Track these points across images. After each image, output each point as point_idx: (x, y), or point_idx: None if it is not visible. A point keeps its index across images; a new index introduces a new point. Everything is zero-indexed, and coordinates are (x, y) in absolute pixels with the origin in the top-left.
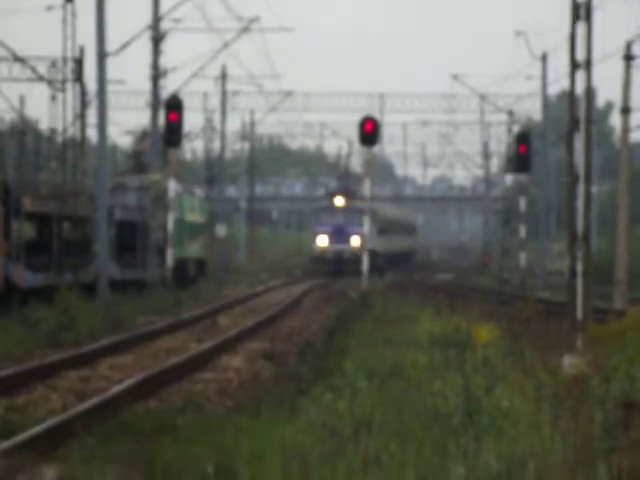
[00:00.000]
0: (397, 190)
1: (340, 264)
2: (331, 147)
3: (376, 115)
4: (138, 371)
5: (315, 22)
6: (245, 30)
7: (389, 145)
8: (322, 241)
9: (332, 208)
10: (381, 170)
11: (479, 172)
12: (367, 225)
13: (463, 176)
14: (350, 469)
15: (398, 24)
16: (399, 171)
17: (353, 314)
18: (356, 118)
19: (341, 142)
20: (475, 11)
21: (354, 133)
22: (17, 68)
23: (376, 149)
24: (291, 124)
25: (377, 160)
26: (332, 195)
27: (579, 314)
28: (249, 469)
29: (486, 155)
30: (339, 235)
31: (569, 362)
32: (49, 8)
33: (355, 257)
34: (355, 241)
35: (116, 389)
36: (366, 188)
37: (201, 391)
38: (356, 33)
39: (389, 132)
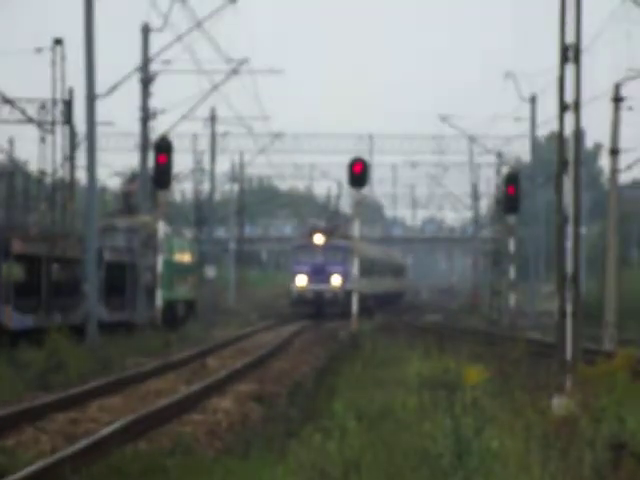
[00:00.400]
0: (386, 231)
1: (320, 305)
2: (321, 188)
3: (365, 156)
4: (127, 413)
5: (305, 64)
6: (234, 72)
7: (378, 186)
8: (301, 281)
9: (311, 246)
10: (371, 211)
11: (468, 213)
12: (354, 265)
13: (452, 217)
14: None
15: (386, 65)
16: (388, 212)
17: (342, 355)
18: (345, 159)
19: (330, 183)
20: (464, 52)
21: (343, 174)
22: (6, 110)
23: (365, 190)
24: (281, 165)
25: (366, 201)
26: (311, 232)
27: (568, 355)
28: None
29: (475, 196)
30: (319, 274)
31: (558, 403)
32: (38, 50)
33: (336, 298)
34: (336, 281)
35: (105, 431)
36: (355, 229)
37: (190, 433)
38: (345, 74)
39: (378, 173)
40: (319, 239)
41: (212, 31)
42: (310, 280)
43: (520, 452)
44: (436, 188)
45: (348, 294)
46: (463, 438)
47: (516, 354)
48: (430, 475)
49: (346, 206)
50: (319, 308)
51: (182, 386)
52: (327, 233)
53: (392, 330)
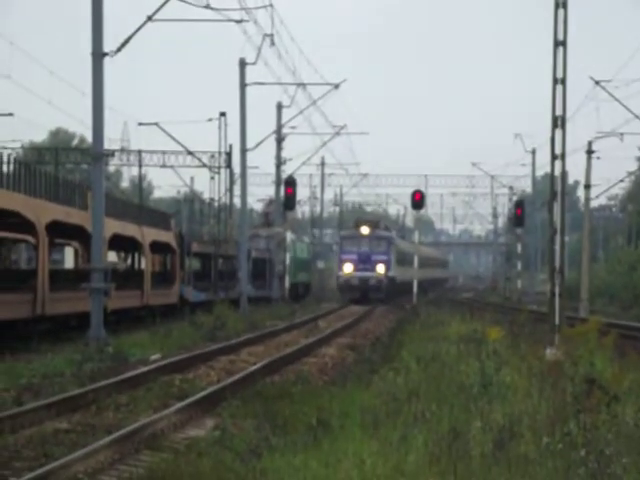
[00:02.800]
0: (436, 238)
1: (365, 291)
2: (393, 210)
3: (422, 189)
4: (267, 356)
5: (384, 125)
6: (337, 134)
7: (431, 208)
8: (348, 268)
9: (357, 236)
10: (425, 225)
11: (490, 226)
12: (415, 261)
13: (479, 229)
14: (405, 422)
15: (434, 122)
16: (437, 225)
17: (407, 320)
18: (409, 191)
19: (399, 207)
20: (484, 115)
21: (408, 201)
22: (189, 159)
23: (422, 211)
24: (366, 195)
25: (423, 218)
26: (357, 224)
27: (557, 320)
28: (339, 421)
29: (495, 215)
30: (364, 262)
31: (550, 352)
32: (210, 119)
33: (380, 284)
34: (380, 268)
35: (252, 368)
36: (416, 237)
37: (307, 370)
38: (412, 132)
39: (431, 200)
40: (365, 230)
41: (323, 106)
42: (356, 267)
43: (525, 385)
44: (469, 210)
45: (391, 281)
46: (487, 375)
47: (522, 320)
48: (465, 399)
49: (409, 222)
50: (364, 293)
51: (302, 339)
52: (372, 225)
53: (439, 304)
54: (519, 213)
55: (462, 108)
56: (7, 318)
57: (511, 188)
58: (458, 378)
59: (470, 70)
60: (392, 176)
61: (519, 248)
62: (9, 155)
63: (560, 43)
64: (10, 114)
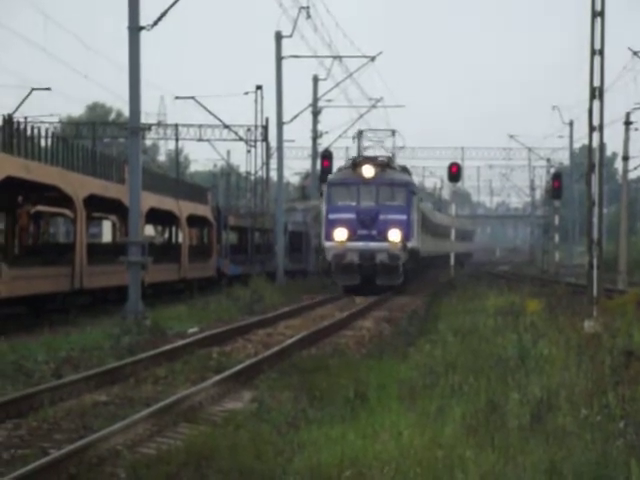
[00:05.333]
0: (473, 211)
1: (370, 273)
2: (429, 183)
3: (459, 161)
4: (303, 329)
5: (419, 97)
6: (373, 106)
7: (468, 181)
8: (339, 235)
9: (355, 182)
10: (462, 198)
11: (527, 199)
12: (452, 233)
13: (516, 201)
14: (442, 394)
15: (469, 93)
16: (474, 198)
17: (443, 293)
18: (445, 163)
19: (436, 179)
20: (525, 88)
21: (444, 173)
22: (225, 132)
23: (459, 184)
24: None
25: (459, 191)
26: (355, 162)
27: (595, 292)
28: (376, 394)
29: (532, 188)
30: (368, 226)
31: (588, 324)
32: (246, 93)
33: (394, 262)
34: (395, 236)
35: (289, 341)
36: (452, 210)
37: (344, 343)
38: (447, 104)
39: (467, 172)
40: (369, 171)
41: (359, 79)
42: (353, 234)
43: (562, 357)
44: (506, 182)
45: (413, 256)
46: (524, 347)
47: (559, 292)
48: (502, 372)
49: (446, 194)
50: (368, 277)
51: (338, 312)
52: (379, 164)
53: (476, 276)
54: (557, 185)
55: (499, 80)
56: (46, 291)
57: (548, 160)
58: (495, 351)
59: (508, 41)
60: (428, 149)
61: (557, 220)
62: (47, 129)
63: (598, 14)
64: (48, 88)
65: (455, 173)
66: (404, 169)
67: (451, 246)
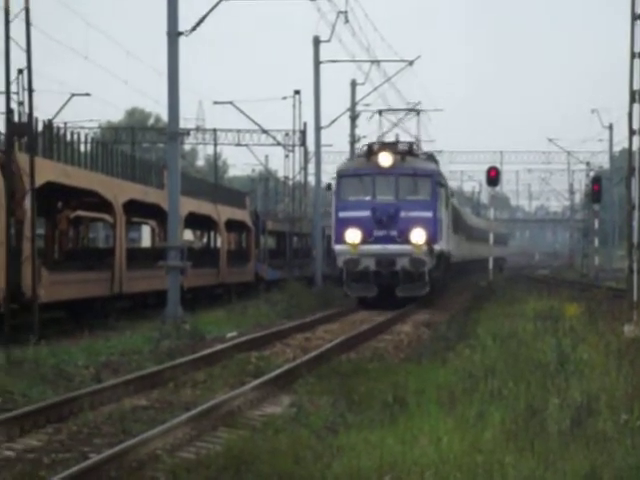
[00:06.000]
0: (511, 215)
1: (388, 282)
2: (468, 187)
3: (497, 165)
4: (342, 334)
5: (457, 101)
6: (411, 110)
7: (506, 185)
8: (352, 237)
9: (370, 172)
10: (501, 202)
11: (566, 203)
12: (491, 237)
13: (556, 205)
14: (481, 399)
15: (508, 96)
16: (513, 202)
17: (482, 297)
18: (484, 168)
19: (474, 184)
20: (564, 92)
21: (483, 177)
22: (263, 137)
23: (497, 188)
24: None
25: (498, 195)
26: (371, 149)
27: (635, 297)
28: (415, 398)
29: (571, 191)
30: (386, 226)
31: (628, 329)
32: (284, 97)
33: (417, 268)
34: (419, 236)
35: (328, 345)
36: (491, 214)
37: (383, 347)
38: (485, 107)
39: (506, 176)
40: (386, 159)
41: (397, 84)
42: (368, 236)
43: (602, 362)
44: (545, 186)
45: (442, 260)
46: (564, 352)
47: (599, 296)
48: (541, 376)
49: (484, 198)
50: (386, 287)
51: (377, 317)
52: (399, 151)
53: (515, 280)
54: (596, 189)
55: (538, 84)
56: (86, 296)
57: (588, 164)
58: (535, 355)
59: (546, 45)
60: (467, 153)
61: (596, 224)
62: (86, 135)
63: (638, 16)
64: (87, 94)
65: (494, 177)
66: (430, 157)
67: (489, 250)
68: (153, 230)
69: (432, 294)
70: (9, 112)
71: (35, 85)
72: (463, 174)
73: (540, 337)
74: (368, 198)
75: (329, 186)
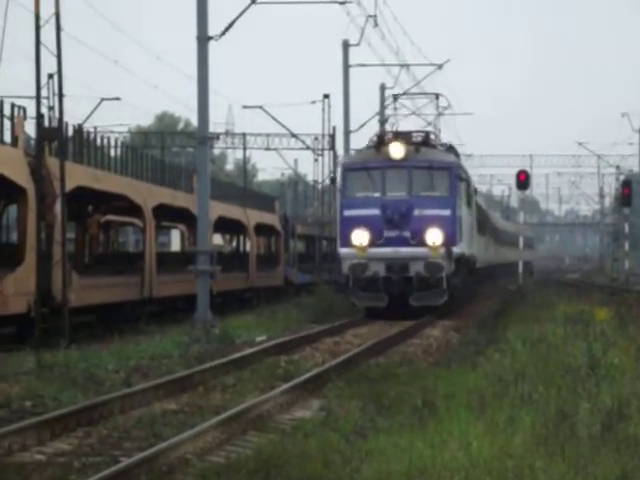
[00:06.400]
0: (541, 219)
1: (400, 291)
2: (497, 191)
3: (527, 169)
4: (371, 338)
5: (487, 104)
6: (441, 114)
7: (536, 188)
8: (358, 239)
9: (380, 165)
10: (530, 205)
11: (596, 206)
12: (521, 241)
13: (585, 209)
14: (511, 403)
15: (537, 100)
16: (543, 206)
17: (512, 301)
18: (514, 171)
19: (504, 187)
20: (594, 95)
21: (512, 181)
22: (292, 141)
23: (527, 191)
24: (471, 175)
25: (528, 199)
26: (380, 139)
27: None
28: (445, 403)
29: (601, 195)
30: (397, 226)
31: None
32: (313, 101)
33: (434, 274)
34: (434, 237)
35: (357, 350)
36: (521, 217)
37: (412, 351)
38: (514, 111)
39: (536, 180)
40: (397, 150)
41: (426, 87)
42: (377, 238)
43: (633, 366)
44: (575, 190)
45: (462, 265)
46: (594, 356)
47: (629, 300)
48: (572, 381)
49: (514, 202)
50: (398, 296)
51: (406, 321)
52: (411, 141)
53: (545, 284)
54: (626, 193)
55: (567, 87)
56: (116, 300)
57: (618, 167)
58: (565, 359)
59: (576, 48)
60: (496, 156)
61: (626, 228)
62: (116, 139)
63: None
64: (117, 98)
65: (523, 181)
66: (450, 148)
67: (518, 254)
68: (182, 234)
69: (451, 304)
70: (40, 117)
71: (65, 90)
72: (493, 178)
73: (570, 341)
74: (377, 194)
75: (333, 180)
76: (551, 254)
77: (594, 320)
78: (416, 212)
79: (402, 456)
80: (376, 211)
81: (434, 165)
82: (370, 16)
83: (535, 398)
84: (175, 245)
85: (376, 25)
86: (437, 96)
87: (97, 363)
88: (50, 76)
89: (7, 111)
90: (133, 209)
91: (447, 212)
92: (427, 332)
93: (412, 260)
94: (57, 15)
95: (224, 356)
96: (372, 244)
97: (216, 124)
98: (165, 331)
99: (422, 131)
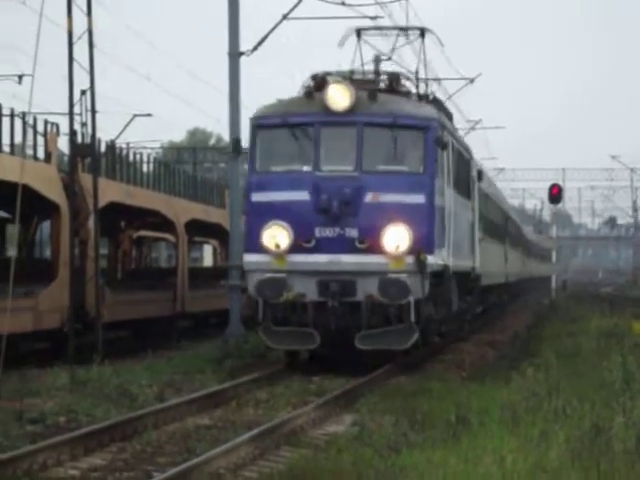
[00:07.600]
0: (574, 232)
1: (341, 326)
2: (530, 205)
3: (559, 182)
4: (401, 355)
5: (519, 118)
6: (472, 128)
7: (569, 202)
8: (272, 240)
9: (315, 117)
10: (563, 219)
11: (630, 220)
12: (554, 255)
13: (620, 222)
14: (545, 418)
15: (569, 114)
16: (575, 220)
17: (545, 315)
18: (546, 185)
19: (536, 201)
20: (627, 108)
21: (545, 195)
22: None
23: (560, 205)
24: (503, 189)
25: (560, 212)
26: (317, 82)
27: None
28: (478, 418)
29: (635, 208)
30: (337, 219)
31: None
32: None
33: (396, 301)
34: (398, 240)
35: (388, 366)
36: (553, 231)
37: (445, 367)
38: (544, 124)
39: (569, 194)
40: (340, 96)
41: (458, 101)
42: (303, 238)
43: None
44: (608, 203)
45: (450, 282)
46: (629, 370)
47: None
48: (606, 395)
49: (546, 216)
50: (337, 335)
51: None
52: (367, 84)
53: (578, 298)
54: None
55: (599, 100)
56: (149, 316)
57: None
58: (599, 374)
59: (607, 62)
60: (529, 170)
61: None
62: (149, 155)
63: None
64: (149, 114)
65: (556, 194)
66: (435, 101)
67: (550, 268)
68: (215, 249)
69: (420, 348)
70: (73, 133)
71: (98, 106)
72: (525, 192)
73: (604, 355)
74: (306, 168)
75: (236, 144)
76: (584, 268)
77: (628, 334)
78: (368, 198)
79: (435, 471)
80: (303, 195)
81: (399, 121)
82: (401, 29)
83: (569, 413)
84: (207, 260)
85: (407, 39)
86: (422, 32)
87: (130, 378)
88: (83, 92)
89: (40, 128)
90: (166, 224)
91: (419, 198)
92: (460, 347)
93: (360, 276)
94: (90, 32)
95: (256, 371)
96: (296, 248)
97: (247, 139)
98: (198, 346)
99: (389, 72)
